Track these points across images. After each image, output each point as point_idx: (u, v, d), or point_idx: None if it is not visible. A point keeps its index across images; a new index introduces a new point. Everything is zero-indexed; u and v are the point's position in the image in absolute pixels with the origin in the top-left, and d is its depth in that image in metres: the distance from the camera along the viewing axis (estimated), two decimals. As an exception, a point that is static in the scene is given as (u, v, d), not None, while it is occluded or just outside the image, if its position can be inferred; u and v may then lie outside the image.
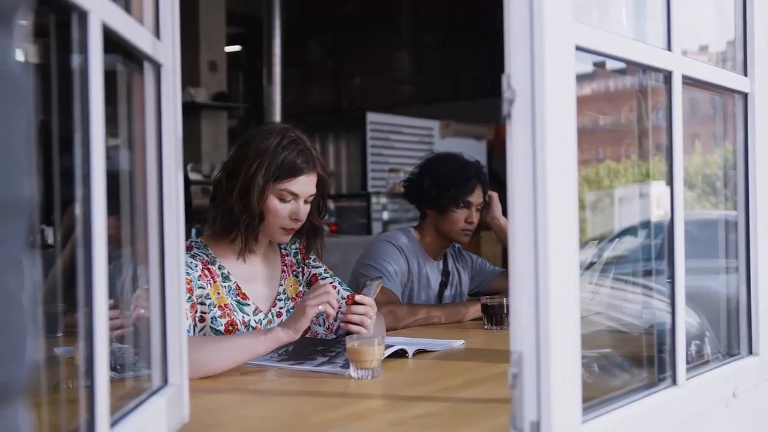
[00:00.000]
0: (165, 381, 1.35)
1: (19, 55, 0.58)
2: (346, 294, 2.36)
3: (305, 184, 2.18)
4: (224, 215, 2.17)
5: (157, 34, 1.33)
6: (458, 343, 2.32)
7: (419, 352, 2.15)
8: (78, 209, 1.00)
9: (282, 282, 2.32)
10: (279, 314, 2.28)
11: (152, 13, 1.33)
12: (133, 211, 1.36)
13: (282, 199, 2.16)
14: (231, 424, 1.55)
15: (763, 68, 1.80)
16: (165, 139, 1.34)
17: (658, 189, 1.82)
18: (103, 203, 1.01)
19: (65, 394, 1.32)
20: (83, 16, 0.98)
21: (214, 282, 2.16)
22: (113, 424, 1.08)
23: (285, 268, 2.35)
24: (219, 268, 2.19)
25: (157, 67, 1.32)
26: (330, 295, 1.98)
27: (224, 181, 2.18)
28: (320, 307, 1.95)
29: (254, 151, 2.14)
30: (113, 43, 1.10)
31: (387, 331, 2.59)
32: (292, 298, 2.32)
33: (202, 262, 2.14)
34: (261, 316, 2.23)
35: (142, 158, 1.34)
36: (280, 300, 2.30)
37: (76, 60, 1.00)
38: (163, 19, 1.34)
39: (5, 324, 0.53)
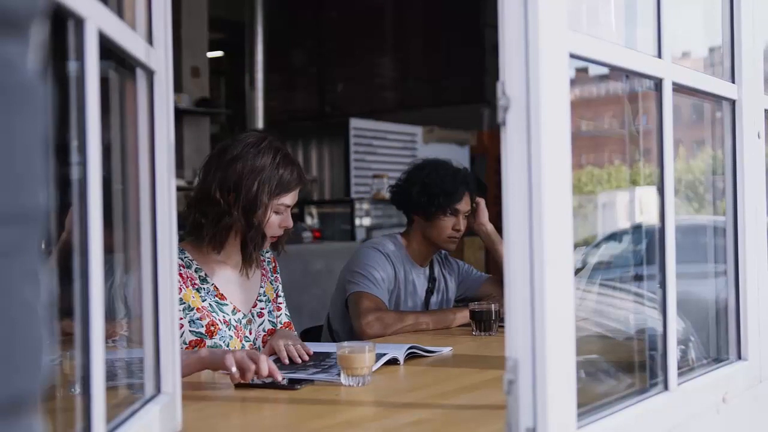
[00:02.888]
0: (158, 389, 1.35)
1: (35, 64, 0.57)
2: (285, 320, 2.43)
3: (296, 195, 2.29)
4: (224, 230, 2.21)
5: (150, 40, 1.32)
6: (447, 350, 2.32)
7: (411, 357, 2.15)
8: (70, 216, 1.00)
9: (262, 284, 2.39)
10: (260, 314, 2.35)
11: (145, 20, 1.32)
12: (125, 217, 1.36)
13: (277, 212, 2.25)
14: (223, 432, 1.54)
15: (751, 75, 1.81)
16: (158, 146, 1.34)
17: (642, 194, 1.83)
18: (98, 210, 1.00)
19: (55, 402, 1.31)
20: (80, 22, 0.97)
21: (187, 287, 2.20)
22: (108, 433, 1.07)
23: (264, 271, 2.42)
24: (196, 271, 2.24)
25: (150, 74, 1.32)
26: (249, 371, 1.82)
27: (221, 197, 2.18)
28: (233, 369, 1.79)
29: (250, 170, 2.19)
30: (107, 49, 1.09)
31: (375, 338, 2.60)
32: (272, 300, 2.40)
33: None
34: (240, 315, 2.28)
35: (134, 165, 1.33)
36: (261, 300, 2.37)
37: (71, 66, 0.99)
38: (155, 26, 1.34)
39: (23, 334, 0.53)
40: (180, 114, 7.31)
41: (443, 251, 3.15)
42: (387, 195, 3.20)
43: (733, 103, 1.81)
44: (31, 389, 0.54)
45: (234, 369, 1.78)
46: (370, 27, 9.66)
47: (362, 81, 9.71)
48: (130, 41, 1.19)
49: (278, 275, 2.48)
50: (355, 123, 8.14)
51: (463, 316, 2.79)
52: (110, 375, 1.38)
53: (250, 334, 2.30)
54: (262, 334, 2.33)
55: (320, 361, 2.09)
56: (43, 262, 0.57)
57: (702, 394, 1.63)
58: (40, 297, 0.55)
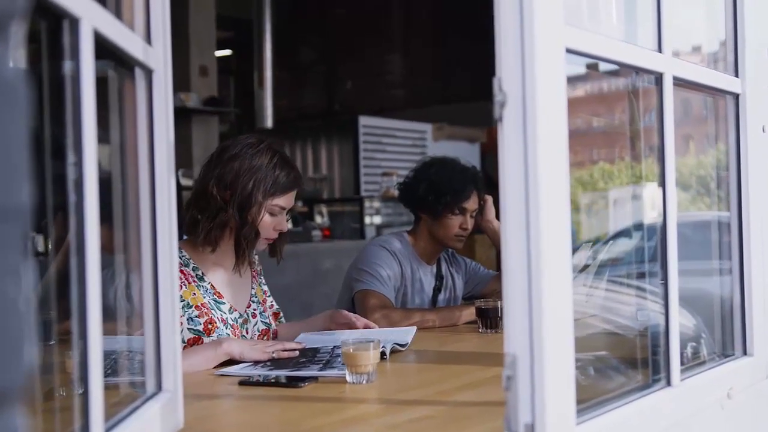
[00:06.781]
0: (159, 387, 1.35)
1: (15, 62, 0.58)
2: (262, 327, 2.42)
3: (292, 198, 2.32)
4: (219, 227, 2.24)
5: (148, 39, 1.32)
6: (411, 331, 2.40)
7: (392, 353, 2.18)
8: (70, 216, 1.00)
9: (253, 286, 2.43)
10: (254, 315, 2.39)
11: (143, 19, 1.33)
12: (125, 218, 1.36)
13: (271, 214, 2.28)
14: (225, 430, 1.54)
15: (754, 69, 1.80)
16: (157, 146, 1.34)
17: (651, 190, 1.82)
18: (95, 210, 1.00)
19: (56, 401, 1.31)
20: (75, 22, 0.97)
21: (189, 283, 2.23)
22: (107, 430, 1.07)
23: (254, 274, 2.46)
24: (193, 270, 2.27)
25: (148, 73, 1.32)
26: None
27: (217, 193, 2.22)
28: (274, 354, 2.10)
29: (247, 169, 2.23)
30: (104, 48, 1.09)
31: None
32: (262, 302, 2.44)
33: None
34: (236, 315, 2.31)
35: (134, 165, 1.33)
36: (253, 302, 2.41)
37: (67, 66, 1.00)
38: (154, 25, 1.34)
39: (4, 330, 0.53)
40: (188, 113, 7.31)
41: (450, 249, 3.15)
42: (395, 192, 3.19)
43: (736, 97, 1.80)
44: (12, 384, 0.55)
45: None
46: (377, 24, 9.66)
47: (371, 78, 9.71)
48: (128, 40, 1.19)
49: (263, 278, 2.51)
50: (364, 121, 8.13)
51: (469, 313, 2.79)
52: (116, 372, 1.39)
53: (247, 333, 2.33)
54: (257, 334, 2.36)
55: (313, 356, 2.10)
56: (25, 258, 0.57)
57: (706, 389, 1.63)
58: (23, 292, 0.56)
